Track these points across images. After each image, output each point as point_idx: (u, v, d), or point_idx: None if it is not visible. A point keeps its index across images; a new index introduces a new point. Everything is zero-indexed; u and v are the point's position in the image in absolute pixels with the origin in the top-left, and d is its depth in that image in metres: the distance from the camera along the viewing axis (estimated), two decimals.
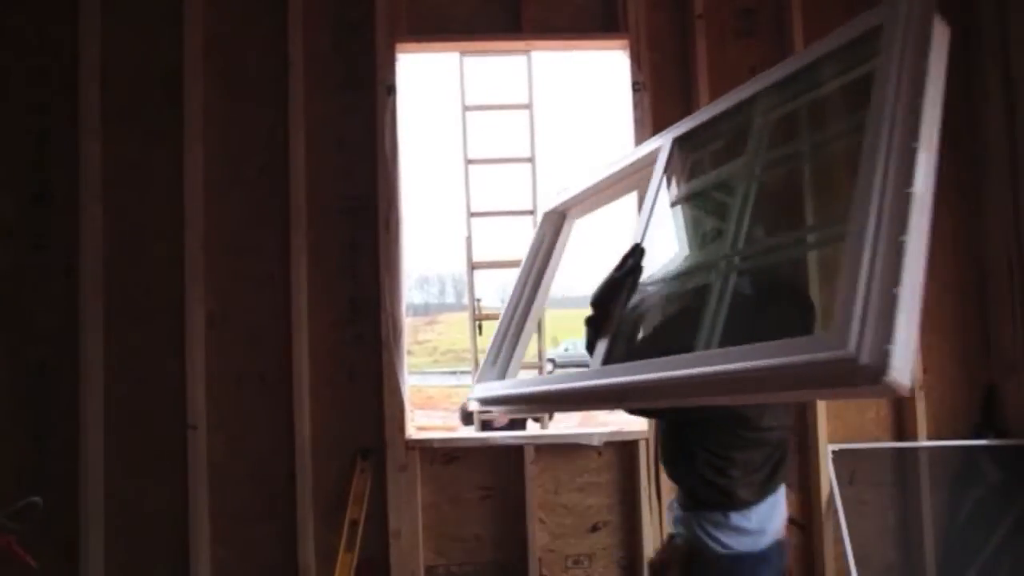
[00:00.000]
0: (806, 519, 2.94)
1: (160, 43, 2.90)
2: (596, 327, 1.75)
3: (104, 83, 2.86)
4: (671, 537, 1.83)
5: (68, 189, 2.82)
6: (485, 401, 2.31)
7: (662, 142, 2.05)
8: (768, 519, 1.72)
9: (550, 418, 3.34)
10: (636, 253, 1.76)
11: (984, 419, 2.97)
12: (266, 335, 2.87)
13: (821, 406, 2.91)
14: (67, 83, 2.85)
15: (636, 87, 2.97)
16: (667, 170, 1.97)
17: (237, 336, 2.87)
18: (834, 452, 2.90)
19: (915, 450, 2.94)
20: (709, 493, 1.73)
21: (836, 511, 2.83)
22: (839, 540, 2.79)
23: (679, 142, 2.00)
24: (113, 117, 2.87)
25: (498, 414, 3.59)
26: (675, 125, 2.03)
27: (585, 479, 2.89)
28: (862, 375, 1.04)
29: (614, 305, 1.74)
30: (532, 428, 3.72)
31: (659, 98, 2.97)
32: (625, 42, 3.00)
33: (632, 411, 1.92)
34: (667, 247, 1.85)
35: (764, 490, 1.73)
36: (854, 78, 1.40)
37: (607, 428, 2.95)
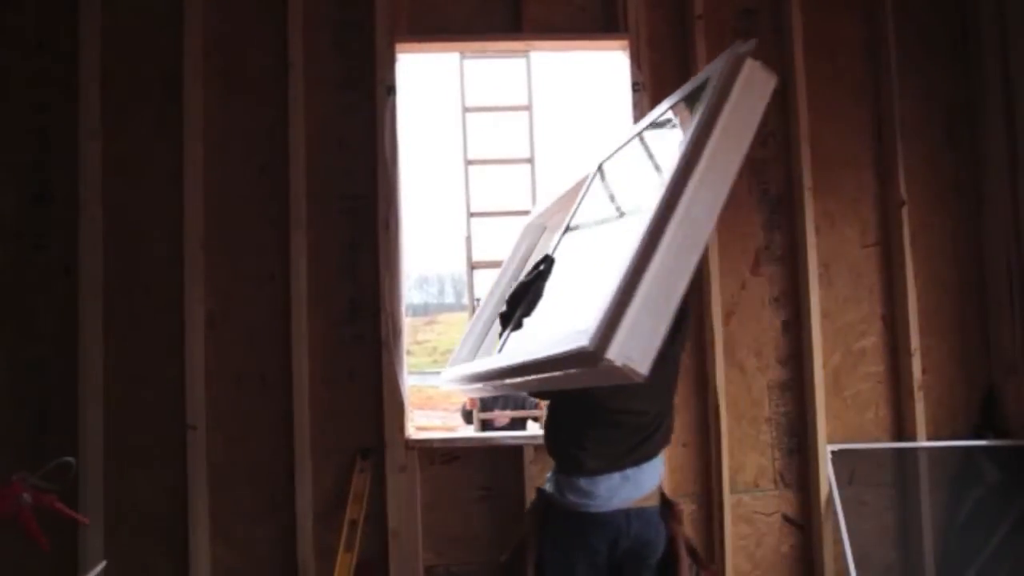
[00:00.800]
0: (805, 519, 2.94)
1: (160, 42, 2.90)
2: (505, 321, 2.11)
3: (104, 83, 2.86)
4: (540, 490, 2.20)
5: (68, 189, 2.82)
6: (449, 380, 2.64)
7: (589, 170, 2.43)
8: (619, 488, 2.03)
9: None
10: (546, 262, 2.07)
11: (983, 419, 2.97)
12: (266, 335, 2.87)
13: (820, 407, 2.92)
14: (67, 83, 2.84)
15: (636, 87, 2.97)
16: (587, 192, 2.31)
17: (237, 336, 2.87)
18: (833, 452, 2.90)
19: (914, 450, 2.94)
20: (564, 459, 2.10)
21: (835, 511, 2.83)
22: (838, 540, 2.79)
23: (602, 166, 2.36)
24: (113, 116, 2.87)
25: (497, 414, 3.62)
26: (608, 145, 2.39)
27: None
28: (588, 359, 1.33)
29: (520, 304, 2.04)
30: (532, 428, 3.72)
31: (659, 98, 2.94)
32: (625, 42, 3.00)
33: (531, 394, 2.22)
34: (580, 259, 2.17)
35: (616, 464, 2.04)
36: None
37: None
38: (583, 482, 2.04)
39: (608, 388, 1.86)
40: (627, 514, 2.05)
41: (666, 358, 2.01)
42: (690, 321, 2.11)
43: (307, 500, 2.79)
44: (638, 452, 2.07)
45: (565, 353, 1.46)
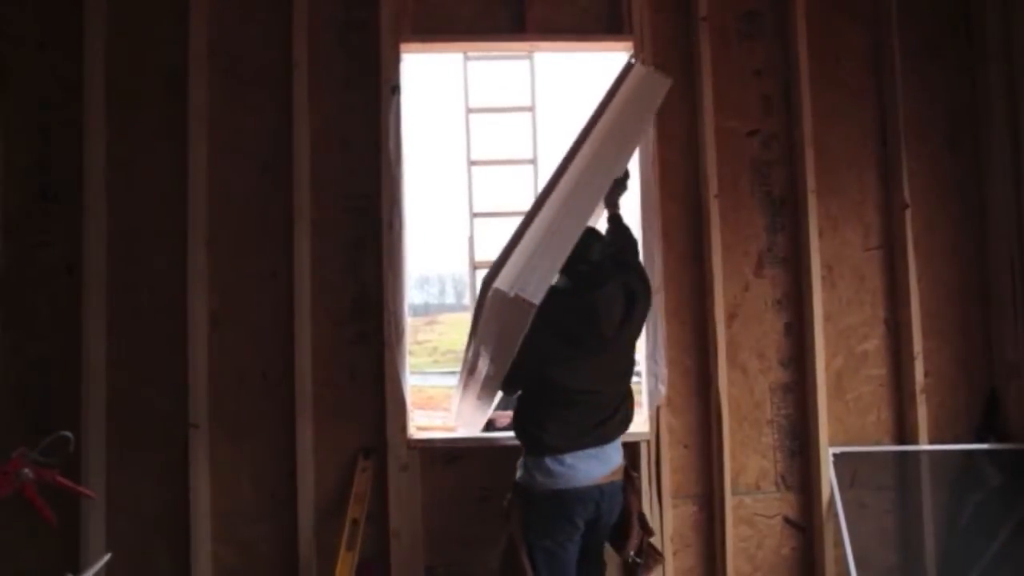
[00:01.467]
0: (806, 522, 2.94)
1: (165, 41, 2.90)
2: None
3: (108, 81, 2.86)
4: (514, 483, 2.33)
5: (71, 187, 2.82)
6: (454, 409, 2.79)
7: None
8: (583, 464, 2.20)
9: None
10: None
11: (985, 422, 2.97)
12: (268, 334, 2.87)
13: (822, 410, 2.92)
14: (71, 81, 2.85)
15: None
16: None
17: (239, 335, 2.87)
18: (835, 455, 2.90)
19: (916, 453, 2.94)
20: (528, 440, 2.27)
21: (837, 514, 2.83)
22: (839, 543, 2.79)
23: None
24: (117, 115, 2.87)
25: (499, 414, 3.61)
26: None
27: None
28: (484, 291, 1.78)
29: None
30: None
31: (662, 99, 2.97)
32: (629, 44, 2.99)
33: (504, 389, 2.36)
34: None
35: (578, 442, 2.21)
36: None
37: None
38: (547, 461, 2.20)
39: (565, 370, 2.18)
40: (600, 489, 2.23)
41: (616, 343, 2.23)
42: (643, 307, 2.28)
43: (309, 499, 2.80)
44: (596, 432, 2.25)
45: (479, 301, 1.81)
